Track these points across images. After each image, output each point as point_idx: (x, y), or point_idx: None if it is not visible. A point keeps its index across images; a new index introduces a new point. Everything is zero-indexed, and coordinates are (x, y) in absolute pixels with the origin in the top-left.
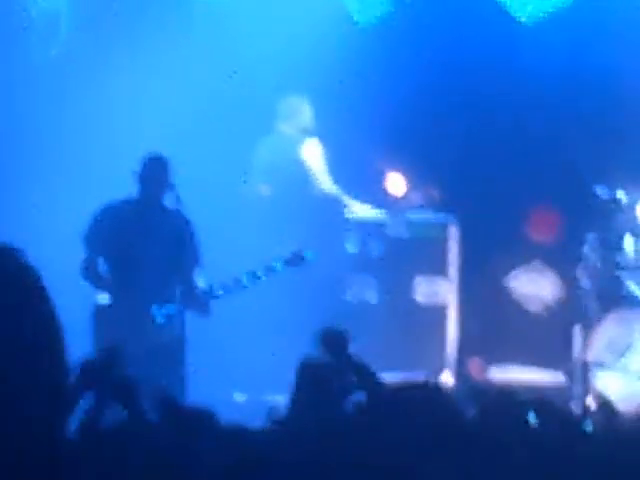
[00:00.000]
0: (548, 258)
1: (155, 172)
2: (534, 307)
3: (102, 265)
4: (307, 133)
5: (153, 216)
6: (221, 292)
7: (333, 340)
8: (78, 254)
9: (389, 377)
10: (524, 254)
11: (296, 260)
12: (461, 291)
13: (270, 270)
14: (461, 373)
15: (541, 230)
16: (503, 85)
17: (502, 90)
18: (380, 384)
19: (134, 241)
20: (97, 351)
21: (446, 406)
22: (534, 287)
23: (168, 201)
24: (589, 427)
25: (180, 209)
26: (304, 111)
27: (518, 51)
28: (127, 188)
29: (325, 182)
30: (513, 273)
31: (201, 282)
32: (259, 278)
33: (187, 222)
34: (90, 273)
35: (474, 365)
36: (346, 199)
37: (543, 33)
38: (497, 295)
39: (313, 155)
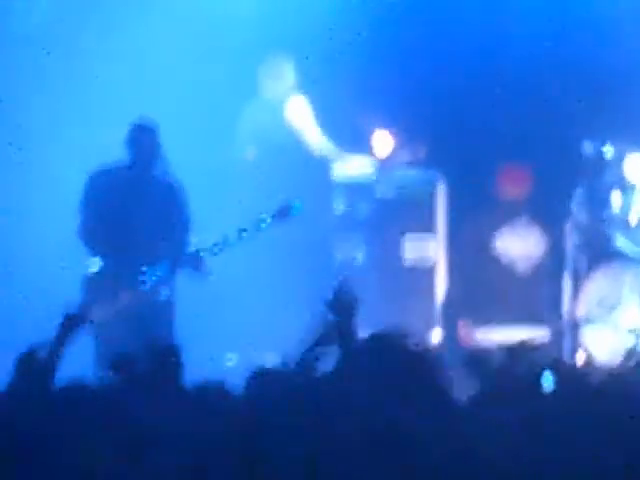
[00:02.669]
0: (537, 214)
1: (144, 138)
2: (523, 265)
3: (97, 230)
4: (292, 93)
5: (143, 182)
6: (212, 250)
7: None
8: (71, 220)
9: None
10: (512, 211)
11: (284, 211)
12: (450, 249)
13: (259, 223)
14: (449, 333)
15: (530, 186)
16: (489, 41)
17: (488, 46)
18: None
19: (125, 206)
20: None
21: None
22: (523, 244)
23: (158, 167)
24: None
25: (169, 174)
26: (288, 71)
27: (504, 8)
28: (117, 154)
29: (311, 142)
30: (501, 231)
31: (190, 246)
32: (249, 234)
33: (176, 187)
34: (85, 237)
35: (462, 328)
36: (333, 158)
37: None
38: (486, 252)
39: (299, 114)
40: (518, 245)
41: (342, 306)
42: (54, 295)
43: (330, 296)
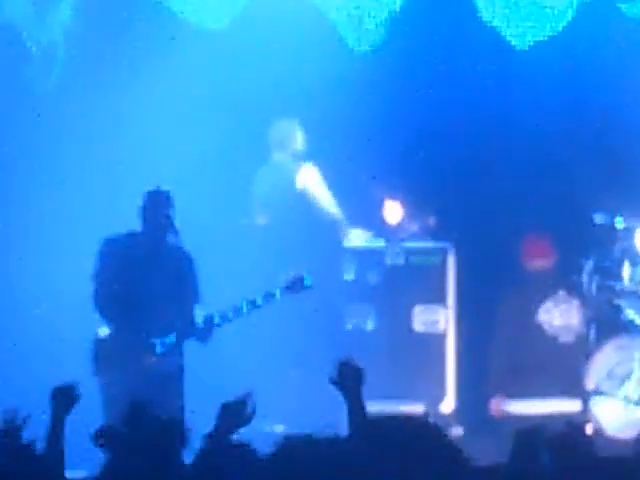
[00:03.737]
0: (547, 286)
1: (157, 207)
2: (535, 336)
3: (109, 297)
4: (300, 158)
5: (155, 250)
6: (222, 320)
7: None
8: (81, 286)
9: (388, 406)
10: (522, 282)
11: (295, 285)
12: (459, 319)
13: (269, 297)
14: (462, 402)
15: (539, 257)
16: (499, 112)
17: (498, 117)
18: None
19: (136, 274)
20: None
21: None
22: (538, 315)
23: (170, 234)
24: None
25: (180, 243)
26: (296, 135)
27: (514, 78)
28: (129, 221)
29: (323, 209)
30: (515, 301)
31: (200, 314)
32: (258, 305)
33: (187, 256)
34: (97, 304)
35: (494, 403)
36: (344, 227)
37: (539, 59)
38: (496, 323)
39: (310, 181)
40: (538, 316)
41: (348, 379)
42: (64, 361)
43: (335, 371)
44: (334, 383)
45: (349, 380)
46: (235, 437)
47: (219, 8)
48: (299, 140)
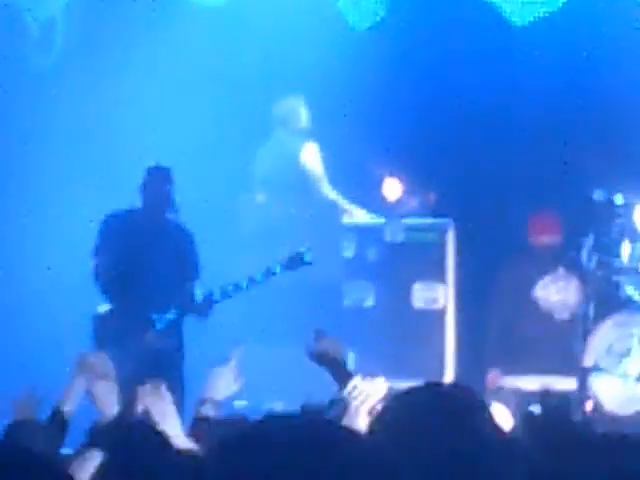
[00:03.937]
0: (547, 263)
1: (157, 184)
2: (533, 312)
3: (109, 273)
4: (304, 135)
5: (155, 227)
6: (222, 296)
7: (330, 353)
8: (80, 262)
9: (387, 383)
10: (522, 258)
11: (295, 262)
12: (459, 296)
13: (269, 273)
14: (460, 379)
15: (538, 234)
16: (499, 88)
17: (498, 94)
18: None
19: (136, 251)
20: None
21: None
22: (536, 292)
23: (170, 211)
24: None
25: (180, 220)
26: (299, 113)
27: (513, 55)
28: (129, 198)
29: (323, 187)
30: (513, 277)
31: (199, 291)
32: (258, 282)
33: (187, 233)
34: (98, 280)
35: (490, 376)
36: (343, 204)
37: (538, 36)
38: (495, 299)
39: (312, 159)
40: (534, 293)
41: (329, 355)
42: (64, 338)
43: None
44: (313, 358)
45: (330, 355)
46: (231, 413)
47: None
48: (303, 117)
